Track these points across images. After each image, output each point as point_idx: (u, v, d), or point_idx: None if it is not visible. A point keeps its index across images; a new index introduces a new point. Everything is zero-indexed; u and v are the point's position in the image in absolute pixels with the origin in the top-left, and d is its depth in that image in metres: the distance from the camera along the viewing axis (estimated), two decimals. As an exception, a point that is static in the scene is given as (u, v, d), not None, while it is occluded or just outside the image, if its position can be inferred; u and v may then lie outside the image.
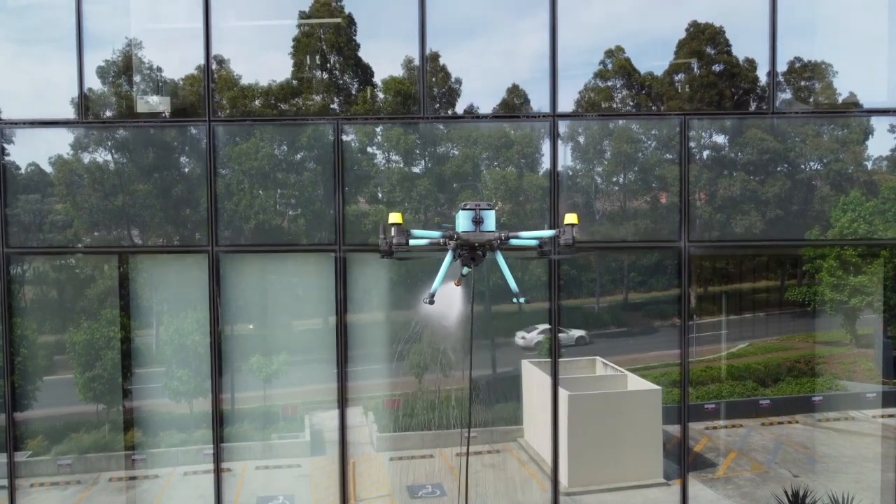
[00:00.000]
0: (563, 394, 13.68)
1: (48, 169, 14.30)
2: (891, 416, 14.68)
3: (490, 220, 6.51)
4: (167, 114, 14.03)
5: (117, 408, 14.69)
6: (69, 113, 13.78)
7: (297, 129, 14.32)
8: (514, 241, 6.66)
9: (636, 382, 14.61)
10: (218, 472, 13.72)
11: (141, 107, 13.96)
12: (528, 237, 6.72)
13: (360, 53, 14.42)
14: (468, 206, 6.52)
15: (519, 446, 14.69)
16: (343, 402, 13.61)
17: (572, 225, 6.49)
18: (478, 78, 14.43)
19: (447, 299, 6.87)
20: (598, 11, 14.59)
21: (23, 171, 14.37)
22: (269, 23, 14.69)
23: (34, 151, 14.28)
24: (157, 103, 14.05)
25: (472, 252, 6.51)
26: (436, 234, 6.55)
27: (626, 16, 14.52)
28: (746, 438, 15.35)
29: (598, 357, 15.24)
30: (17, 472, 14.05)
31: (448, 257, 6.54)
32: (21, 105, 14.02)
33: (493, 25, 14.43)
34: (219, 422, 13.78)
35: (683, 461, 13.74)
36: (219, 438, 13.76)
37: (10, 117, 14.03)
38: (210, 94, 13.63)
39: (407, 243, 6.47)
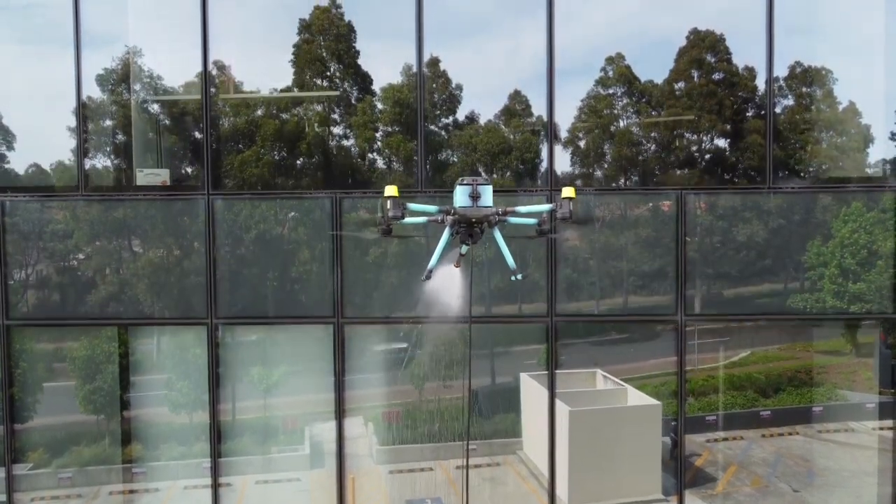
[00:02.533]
0: (563, 409, 13.46)
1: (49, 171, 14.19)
2: (889, 428, 14.44)
3: (487, 195, 6.37)
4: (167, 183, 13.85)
5: (117, 419, 14.52)
6: (71, 121, 13.56)
7: (298, 133, 14.13)
8: (511, 219, 6.54)
9: (636, 397, 14.35)
10: (216, 486, 13.56)
11: (141, 179, 13.73)
12: (525, 212, 6.60)
13: (360, 61, 14.23)
14: (465, 182, 6.39)
15: (519, 459, 14.45)
16: (340, 415, 13.43)
17: (570, 199, 6.39)
18: (478, 81, 14.25)
19: (449, 296, 6.82)
20: (600, 17, 14.37)
21: (23, 174, 14.23)
22: (263, 94, 14.44)
23: (37, 154, 14.15)
24: (157, 175, 13.82)
25: (469, 228, 6.36)
26: (432, 208, 6.47)
27: (627, 23, 14.25)
28: (747, 451, 15.09)
29: (598, 370, 14.99)
30: (18, 486, 13.90)
31: (446, 233, 6.45)
32: (22, 107, 13.91)
33: (495, 25, 14.23)
34: (217, 437, 13.61)
35: (680, 477, 13.57)
36: (216, 454, 13.60)
37: (10, 120, 14.00)
38: (209, 169, 13.42)
39: (403, 217, 6.37)
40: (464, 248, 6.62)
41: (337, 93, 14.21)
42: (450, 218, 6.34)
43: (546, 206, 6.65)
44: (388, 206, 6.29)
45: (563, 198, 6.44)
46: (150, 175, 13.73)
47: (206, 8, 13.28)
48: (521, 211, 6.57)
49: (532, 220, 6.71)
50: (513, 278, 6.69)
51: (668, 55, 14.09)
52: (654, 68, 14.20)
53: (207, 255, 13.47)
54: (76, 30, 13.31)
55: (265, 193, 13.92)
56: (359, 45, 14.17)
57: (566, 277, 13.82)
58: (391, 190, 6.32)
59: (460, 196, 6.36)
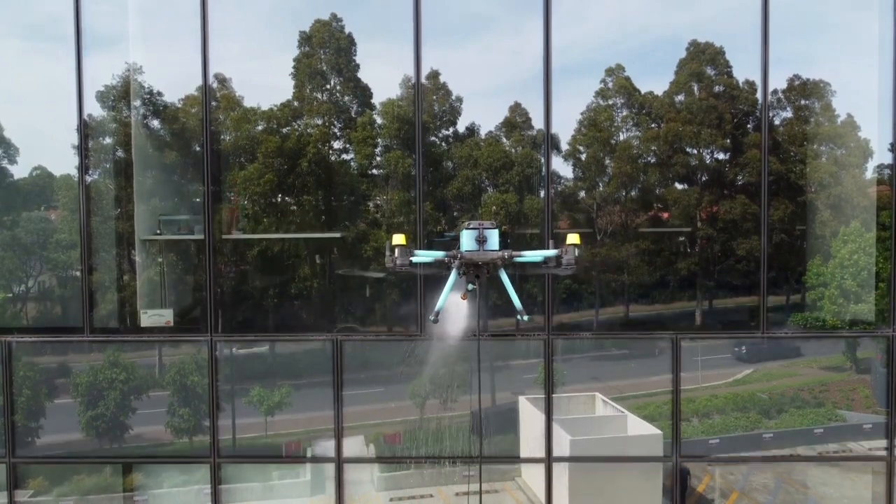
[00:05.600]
0: (564, 437, 13.28)
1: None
2: (884, 448, 14.23)
3: (493, 239, 6.50)
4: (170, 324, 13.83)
5: (119, 445, 14.42)
6: (73, 138, 13.31)
7: (299, 149, 13.92)
8: (517, 260, 6.62)
9: (636, 424, 14.10)
10: (217, 513, 13.51)
11: (145, 321, 13.71)
12: (531, 256, 6.71)
13: (360, 74, 14.11)
14: (472, 226, 6.51)
15: (517, 486, 14.28)
16: (340, 453, 13.37)
17: (575, 245, 6.50)
18: (478, 81, 14.12)
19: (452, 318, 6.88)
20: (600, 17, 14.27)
21: (27, 177, 14.20)
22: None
23: (40, 156, 14.07)
24: (161, 316, 13.82)
25: (476, 270, 6.50)
26: (439, 253, 6.61)
27: (628, 30, 14.15)
28: (749, 476, 14.89)
29: (596, 393, 14.77)
30: (20, 514, 13.87)
31: (452, 276, 6.53)
32: (25, 106, 13.82)
33: (495, 25, 14.13)
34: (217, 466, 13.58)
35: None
36: (217, 480, 13.55)
37: (11, 123, 13.91)
38: (212, 316, 13.34)
39: (411, 263, 6.54)
40: (470, 286, 6.72)
41: (340, 235, 14.33)
42: (456, 261, 6.44)
43: (552, 252, 6.70)
44: (397, 255, 6.44)
45: (568, 244, 6.50)
46: (154, 316, 13.64)
47: (206, 16, 13.11)
48: (527, 254, 6.69)
49: (538, 258, 6.79)
50: (518, 318, 6.77)
51: (670, 56, 14.02)
52: (654, 70, 14.17)
53: (210, 394, 13.48)
54: (78, 47, 13.12)
55: (268, 337, 14.32)
56: (359, 47, 14.05)
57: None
58: (399, 239, 6.47)
59: (467, 240, 6.45)
